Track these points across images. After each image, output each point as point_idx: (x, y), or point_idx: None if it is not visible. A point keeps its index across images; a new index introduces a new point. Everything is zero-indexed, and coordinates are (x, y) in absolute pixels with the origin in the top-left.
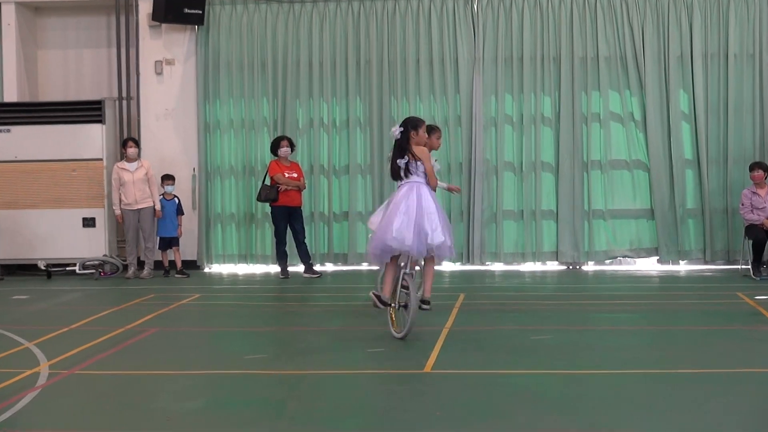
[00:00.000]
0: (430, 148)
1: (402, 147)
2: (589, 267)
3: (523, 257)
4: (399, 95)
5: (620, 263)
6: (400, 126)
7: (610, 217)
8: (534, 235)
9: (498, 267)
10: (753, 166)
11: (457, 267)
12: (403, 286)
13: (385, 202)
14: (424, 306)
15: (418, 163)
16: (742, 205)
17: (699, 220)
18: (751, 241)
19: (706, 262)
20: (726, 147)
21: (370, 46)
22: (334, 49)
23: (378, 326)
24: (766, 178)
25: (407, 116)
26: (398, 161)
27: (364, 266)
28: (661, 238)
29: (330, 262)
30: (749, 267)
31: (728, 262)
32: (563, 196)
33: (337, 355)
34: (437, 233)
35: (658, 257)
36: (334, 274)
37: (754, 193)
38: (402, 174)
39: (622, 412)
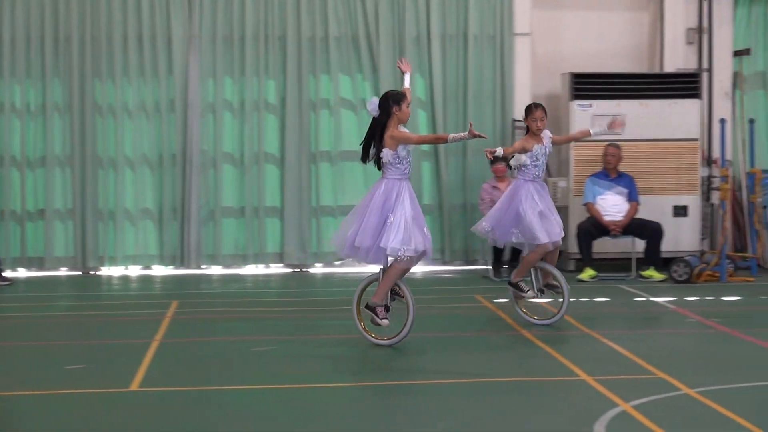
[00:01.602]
0: (537, 131)
1: (374, 130)
2: (317, 269)
3: (244, 259)
4: (104, 76)
5: (351, 265)
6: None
7: (341, 213)
8: (257, 234)
9: (216, 270)
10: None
11: (170, 271)
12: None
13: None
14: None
15: (386, 151)
16: (482, 200)
17: (436, 217)
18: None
19: (444, 263)
20: None
21: (70, 20)
22: (27, 21)
23: (78, 340)
24: (507, 171)
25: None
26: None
27: (63, 271)
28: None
29: (23, 267)
30: (490, 267)
31: (468, 263)
32: (289, 191)
33: (29, 373)
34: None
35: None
36: (28, 280)
37: (494, 187)
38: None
39: (351, 429)
